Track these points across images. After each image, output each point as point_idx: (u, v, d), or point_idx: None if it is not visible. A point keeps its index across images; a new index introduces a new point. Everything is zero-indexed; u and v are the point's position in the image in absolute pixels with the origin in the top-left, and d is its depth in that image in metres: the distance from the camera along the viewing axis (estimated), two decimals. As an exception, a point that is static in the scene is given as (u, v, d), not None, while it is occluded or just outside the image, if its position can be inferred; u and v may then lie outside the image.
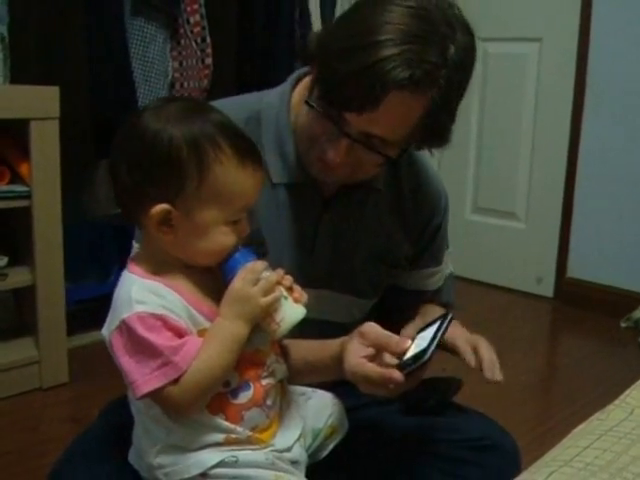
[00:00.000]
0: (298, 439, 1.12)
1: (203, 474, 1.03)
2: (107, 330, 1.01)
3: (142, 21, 2.43)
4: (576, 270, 3.11)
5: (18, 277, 2.07)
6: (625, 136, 2.92)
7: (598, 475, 0.80)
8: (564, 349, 2.90)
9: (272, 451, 1.07)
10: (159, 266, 1.04)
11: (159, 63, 2.47)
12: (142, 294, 0.99)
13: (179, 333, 0.99)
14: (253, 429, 1.06)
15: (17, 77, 2.05)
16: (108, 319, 1.02)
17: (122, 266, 1.70)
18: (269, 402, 1.09)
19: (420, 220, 1.39)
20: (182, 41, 2.52)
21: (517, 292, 3.23)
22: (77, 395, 2.05)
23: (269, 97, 1.30)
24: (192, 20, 2.53)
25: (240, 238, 1.05)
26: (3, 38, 1.99)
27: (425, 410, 1.36)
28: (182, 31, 2.50)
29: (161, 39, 2.48)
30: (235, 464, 1.04)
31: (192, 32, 2.52)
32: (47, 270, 2.05)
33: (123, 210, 1.08)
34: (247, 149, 1.03)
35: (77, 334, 2.37)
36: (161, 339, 0.97)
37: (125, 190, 1.04)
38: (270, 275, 1.03)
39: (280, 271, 1.05)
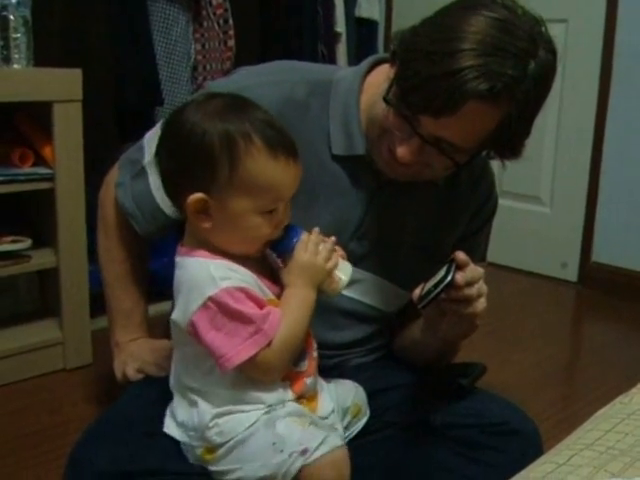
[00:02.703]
0: (333, 411, 1.20)
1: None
2: (184, 313, 1.07)
3: (164, 3, 2.43)
4: (601, 255, 3.07)
5: (42, 259, 2.08)
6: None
7: (619, 459, 0.79)
8: (588, 334, 2.88)
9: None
10: (215, 251, 1.09)
11: (182, 45, 2.47)
12: (222, 271, 1.06)
13: (259, 303, 1.07)
14: (302, 396, 1.15)
15: (40, 60, 2.06)
16: (181, 304, 1.08)
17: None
18: (316, 373, 1.18)
19: (474, 205, 1.42)
20: (204, 23, 2.51)
21: (541, 277, 3.20)
22: (101, 376, 2.05)
23: (343, 72, 1.36)
24: (214, 2, 2.52)
25: (277, 228, 1.10)
26: (27, 21, 1.99)
27: (447, 395, 1.35)
28: (204, 13, 2.50)
29: (183, 21, 2.48)
30: (282, 408, 1.12)
31: (214, 14, 2.51)
32: (70, 252, 2.07)
33: (168, 196, 1.15)
34: (281, 143, 1.06)
35: (101, 316, 2.36)
36: (250, 309, 1.05)
37: (166, 178, 1.11)
38: (327, 242, 1.13)
39: (333, 237, 1.15)
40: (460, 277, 1.13)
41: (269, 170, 1.05)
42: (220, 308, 1.04)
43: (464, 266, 1.15)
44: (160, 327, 1.58)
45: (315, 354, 1.19)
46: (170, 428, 1.18)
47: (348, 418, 1.26)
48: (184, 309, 1.07)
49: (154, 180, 1.38)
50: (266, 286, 1.11)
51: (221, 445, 1.11)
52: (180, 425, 1.16)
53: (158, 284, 1.56)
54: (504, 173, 3.25)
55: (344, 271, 1.15)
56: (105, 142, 2.25)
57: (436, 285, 1.13)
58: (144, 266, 1.57)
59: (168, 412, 1.21)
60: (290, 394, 1.14)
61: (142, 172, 1.41)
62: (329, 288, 1.15)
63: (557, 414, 1.99)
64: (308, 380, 1.16)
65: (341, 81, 1.33)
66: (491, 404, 1.34)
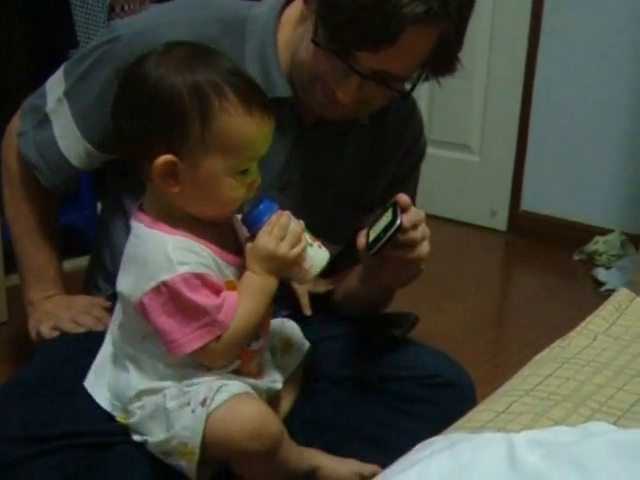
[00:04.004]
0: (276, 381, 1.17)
1: None
2: (133, 289, 1.01)
3: (77, -62, 2.27)
4: (530, 203, 3.08)
5: (-52, 213, 1.95)
6: (581, 68, 2.87)
7: (562, 404, 0.75)
8: (517, 282, 2.90)
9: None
10: (175, 219, 1.02)
11: (96, -17, 2.33)
12: (181, 253, 0.98)
13: (215, 290, 0.99)
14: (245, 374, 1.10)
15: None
16: (130, 278, 1.02)
17: (64, 201, 1.62)
18: (265, 351, 1.14)
19: (402, 148, 1.37)
20: (121, -41, 2.37)
21: (471, 225, 3.19)
22: (16, 335, 1.96)
23: (258, 9, 1.25)
24: (131, -63, 2.38)
25: (250, 190, 1.03)
26: None
27: (379, 347, 1.32)
28: (120, -52, 2.36)
29: (98, -43, 2.34)
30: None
31: (131, -50, 2.37)
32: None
33: (129, 161, 1.05)
34: (255, 96, 0.99)
35: (15, 272, 2.26)
36: (204, 298, 0.99)
37: (128, 141, 1.01)
38: (295, 227, 1.03)
39: (301, 221, 1.05)
40: (406, 219, 1.10)
41: (245, 127, 0.98)
42: (172, 295, 0.98)
43: (407, 208, 1.11)
44: (78, 283, 1.51)
45: (269, 334, 1.15)
46: (91, 384, 1.13)
47: (277, 357, 1.22)
48: (134, 285, 1.01)
49: (58, 128, 1.31)
50: (227, 261, 1.04)
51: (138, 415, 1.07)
52: (103, 385, 1.12)
53: (77, 238, 1.48)
54: (433, 121, 3.24)
55: (317, 259, 1.08)
56: (16, 87, 2.11)
57: (385, 230, 1.08)
58: (54, 220, 1.49)
59: (93, 368, 1.15)
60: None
61: (45, 120, 1.32)
62: (297, 276, 1.09)
63: (488, 362, 1.99)
64: (255, 360, 1.12)
65: (257, 18, 1.24)
66: (425, 356, 1.31)
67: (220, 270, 1.03)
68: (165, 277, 0.97)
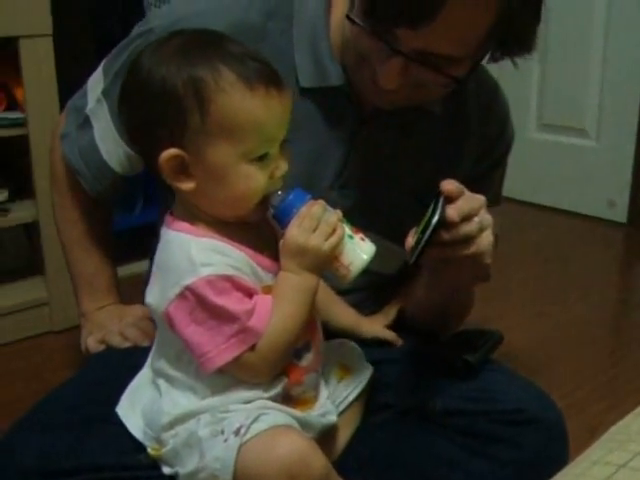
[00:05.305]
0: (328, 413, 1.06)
1: None
2: (159, 300, 0.95)
3: None
4: (653, 192, 2.82)
5: (21, 213, 1.92)
6: None
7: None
8: (638, 282, 2.63)
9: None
10: (205, 222, 0.94)
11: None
12: (205, 254, 0.92)
13: (248, 293, 0.93)
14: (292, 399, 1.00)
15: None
16: (156, 287, 0.96)
17: (146, 198, 1.58)
18: (320, 368, 1.04)
19: (483, 143, 1.23)
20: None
21: (586, 217, 2.97)
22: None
23: None
24: None
25: (274, 178, 0.93)
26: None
27: (452, 373, 1.16)
28: None
29: None
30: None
31: None
32: (51, 203, 1.89)
33: (142, 158, 1.01)
34: (257, 71, 0.89)
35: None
36: (234, 303, 0.91)
37: (132, 137, 0.97)
38: (329, 217, 0.94)
39: (338, 210, 0.94)
40: (453, 211, 0.94)
41: (246, 106, 0.89)
42: (198, 301, 0.90)
43: (455, 198, 0.95)
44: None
45: (321, 344, 1.03)
46: (123, 411, 1.04)
47: (333, 384, 1.10)
48: (159, 295, 0.94)
49: (98, 131, 1.25)
50: (264, 266, 0.95)
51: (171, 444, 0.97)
52: (138, 412, 1.03)
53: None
54: (544, 104, 3.06)
55: (358, 253, 0.95)
56: (82, 80, 2.05)
57: (424, 230, 0.92)
58: (105, 225, 1.43)
59: (128, 392, 1.06)
60: (279, 389, 0.98)
61: (86, 122, 1.27)
62: (337, 273, 0.97)
63: (596, 377, 1.77)
64: (307, 377, 1.00)
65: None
66: (506, 386, 1.14)
67: (256, 274, 0.94)
68: (188, 281, 0.89)
